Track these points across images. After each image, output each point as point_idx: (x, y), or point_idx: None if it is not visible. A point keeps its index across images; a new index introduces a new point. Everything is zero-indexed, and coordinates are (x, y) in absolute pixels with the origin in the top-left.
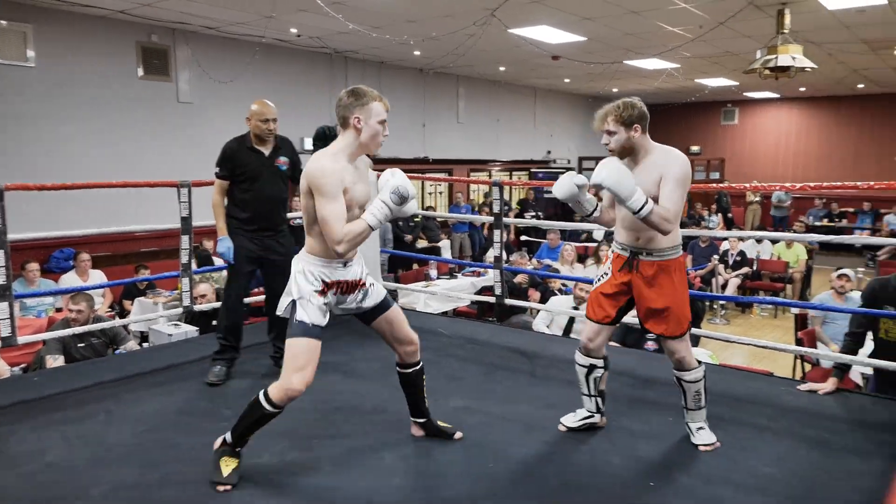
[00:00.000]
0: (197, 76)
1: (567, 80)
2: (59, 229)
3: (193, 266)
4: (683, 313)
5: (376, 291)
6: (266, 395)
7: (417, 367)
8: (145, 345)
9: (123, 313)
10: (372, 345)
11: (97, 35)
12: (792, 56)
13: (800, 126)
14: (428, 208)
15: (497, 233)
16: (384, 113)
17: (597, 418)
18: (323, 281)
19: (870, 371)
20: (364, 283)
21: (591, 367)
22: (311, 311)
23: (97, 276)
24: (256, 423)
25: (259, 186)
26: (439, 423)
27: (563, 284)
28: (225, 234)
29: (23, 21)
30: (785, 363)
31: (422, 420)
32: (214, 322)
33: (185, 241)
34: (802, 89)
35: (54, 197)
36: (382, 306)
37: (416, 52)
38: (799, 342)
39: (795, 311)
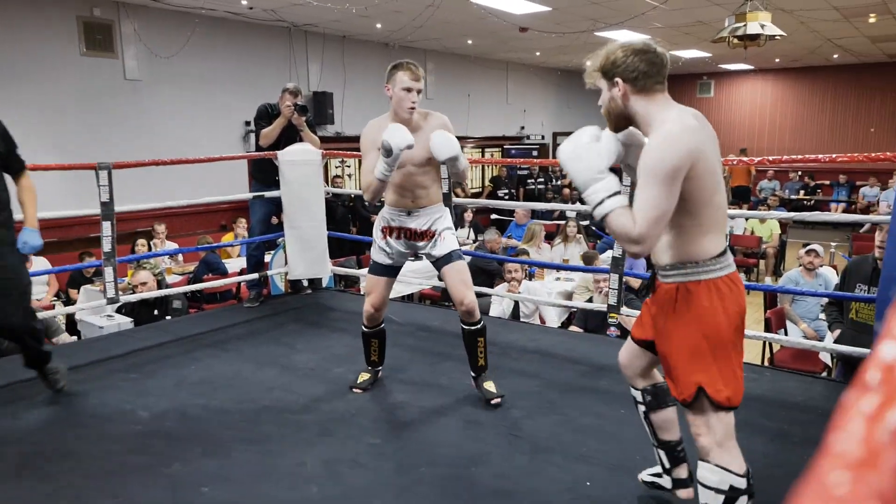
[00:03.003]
0: (144, 52)
1: (538, 54)
2: None
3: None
4: (689, 369)
5: (446, 244)
6: (363, 321)
7: (470, 327)
8: (74, 338)
9: (69, 302)
10: (315, 334)
11: (34, 11)
12: (761, 24)
13: (775, 98)
14: None
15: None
16: (408, 81)
17: (664, 481)
18: (388, 225)
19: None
20: (433, 234)
21: (635, 401)
22: (375, 250)
23: (40, 263)
24: (366, 344)
25: None
26: (485, 385)
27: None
28: None
29: None
30: (756, 342)
31: (473, 376)
32: (156, 311)
33: (106, 227)
34: (777, 60)
35: None
36: (445, 259)
37: (378, 25)
38: (767, 321)
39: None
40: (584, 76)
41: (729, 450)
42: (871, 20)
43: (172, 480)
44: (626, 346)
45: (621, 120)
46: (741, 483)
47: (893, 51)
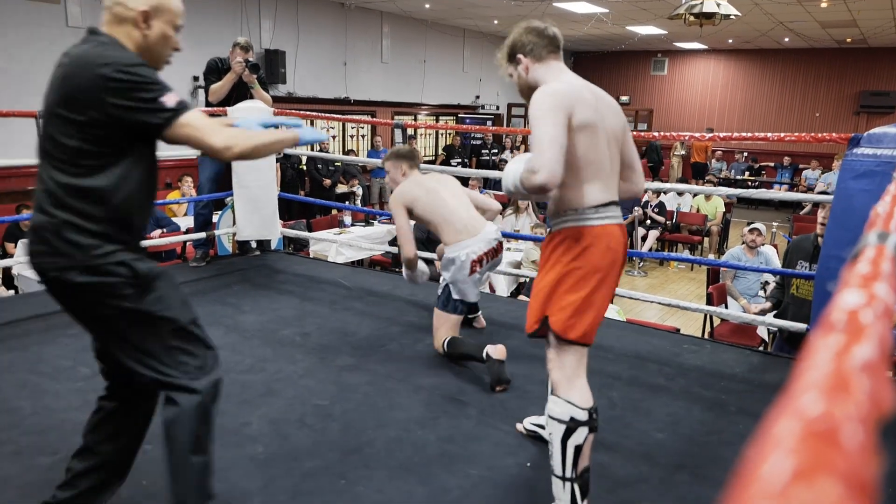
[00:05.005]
0: None
1: (496, 22)
2: None
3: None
4: (546, 302)
5: None
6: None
7: None
8: (11, 293)
9: (6, 256)
10: (262, 296)
11: None
12: (717, 2)
13: (726, 79)
14: (349, 152)
15: None
16: None
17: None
18: None
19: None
20: None
21: None
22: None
23: None
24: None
25: None
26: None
27: None
28: None
29: None
30: (697, 316)
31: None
32: None
33: None
34: (730, 41)
35: None
36: None
37: None
38: (709, 296)
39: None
40: (500, 73)
41: (576, 385)
42: (823, 5)
43: None
44: None
45: (532, 92)
46: (582, 415)
47: (842, 37)
